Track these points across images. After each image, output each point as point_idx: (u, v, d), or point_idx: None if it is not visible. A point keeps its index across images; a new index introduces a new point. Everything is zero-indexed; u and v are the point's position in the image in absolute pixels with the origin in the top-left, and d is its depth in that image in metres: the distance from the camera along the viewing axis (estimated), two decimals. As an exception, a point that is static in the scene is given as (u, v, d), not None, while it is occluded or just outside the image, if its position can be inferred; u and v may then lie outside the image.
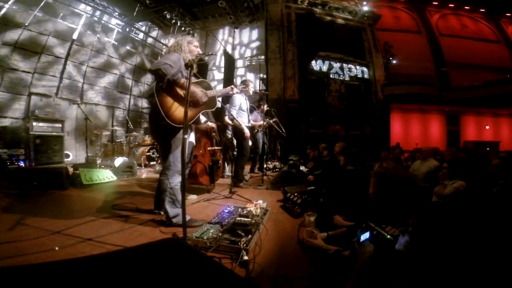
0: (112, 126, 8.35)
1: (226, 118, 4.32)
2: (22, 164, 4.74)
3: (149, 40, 10.53)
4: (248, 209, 2.21)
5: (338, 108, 11.37)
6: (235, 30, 11.61)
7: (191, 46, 2.23)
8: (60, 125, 5.65)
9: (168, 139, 2.10)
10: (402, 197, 1.33)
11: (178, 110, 2.03)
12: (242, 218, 1.96)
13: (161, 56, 2.19)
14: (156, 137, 2.55)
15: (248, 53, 12.04)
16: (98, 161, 5.52)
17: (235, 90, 2.75)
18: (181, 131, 2.08)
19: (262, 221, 2.10)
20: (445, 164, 2.74)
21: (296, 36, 10.78)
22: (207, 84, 2.37)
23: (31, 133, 5.03)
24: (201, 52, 2.29)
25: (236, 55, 11.99)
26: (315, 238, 1.72)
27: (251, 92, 4.05)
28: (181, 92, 2.06)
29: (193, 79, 2.15)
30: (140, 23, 10.16)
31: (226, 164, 4.93)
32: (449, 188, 2.50)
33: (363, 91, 11.86)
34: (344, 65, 11.68)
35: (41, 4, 6.29)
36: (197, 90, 2.15)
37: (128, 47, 9.25)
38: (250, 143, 4.23)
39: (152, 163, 6.00)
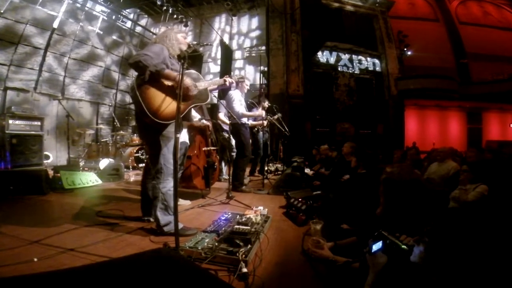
0: (97, 124, 8.36)
1: (221, 116, 4.32)
2: (-3, 166, 4.76)
3: (138, 29, 10.54)
4: (248, 216, 2.21)
5: (347, 104, 11.37)
6: (233, 18, 11.60)
7: (178, 35, 2.25)
8: (39, 123, 5.65)
9: (155, 138, 2.09)
10: (413, 201, 1.34)
11: (164, 105, 2.00)
12: (241, 226, 1.95)
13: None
14: (142, 136, 2.55)
15: (247, 43, 12.05)
16: (81, 163, 5.53)
17: (229, 80, 2.57)
18: (169, 128, 2.07)
19: (263, 230, 2.10)
20: (465, 167, 2.74)
21: (300, 24, 10.77)
22: (196, 75, 2.31)
23: (6, 132, 5.03)
24: (195, 43, 2.30)
25: (234, 46, 11.99)
26: (322, 249, 1.71)
27: (245, 90, 4.05)
28: (166, 83, 2.03)
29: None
30: (127, 10, 10.17)
31: (223, 166, 4.93)
32: (473, 194, 2.50)
33: (374, 85, 11.86)
34: (354, 56, 11.68)
35: (18, -11, 6.31)
36: (185, 80, 2.08)
37: (114, 37, 9.26)
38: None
39: (141, 165, 6.00)
